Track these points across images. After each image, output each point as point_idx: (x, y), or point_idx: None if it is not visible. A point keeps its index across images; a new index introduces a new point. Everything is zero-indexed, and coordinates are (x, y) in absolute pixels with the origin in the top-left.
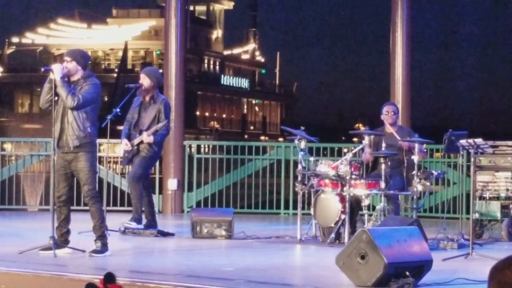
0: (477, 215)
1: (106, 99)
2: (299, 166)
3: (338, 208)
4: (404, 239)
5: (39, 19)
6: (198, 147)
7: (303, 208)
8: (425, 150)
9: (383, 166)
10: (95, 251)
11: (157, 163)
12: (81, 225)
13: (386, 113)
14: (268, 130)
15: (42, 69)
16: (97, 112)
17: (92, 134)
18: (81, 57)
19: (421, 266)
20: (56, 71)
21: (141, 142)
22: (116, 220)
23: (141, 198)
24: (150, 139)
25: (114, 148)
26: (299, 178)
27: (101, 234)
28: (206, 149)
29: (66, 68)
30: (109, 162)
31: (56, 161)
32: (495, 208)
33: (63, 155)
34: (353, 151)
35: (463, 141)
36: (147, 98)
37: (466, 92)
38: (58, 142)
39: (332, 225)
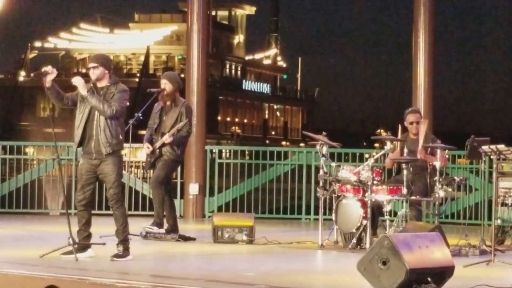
0: (499, 221)
1: (127, 103)
2: (321, 172)
3: (359, 214)
4: (425, 245)
5: (61, 23)
6: (220, 152)
7: (324, 214)
8: (446, 156)
9: (405, 171)
10: (117, 256)
11: (179, 168)
12: (103, 229)
13: (411, 123)
14: (289, 136)
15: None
16: (124, 117)
17: (123, 140)
18: (107, 61)
19: (443, 273)
20: (80, 86)
21: (163, 145)
22: (137, 225)
23: (163, 202)
24: (171, 139)
25: (136, 153)
26: (321, 184)
27: (124, 238)
28: (228, 154)
29: (94, 74)
30: (131, 166)
31: (81, 165)
32: None
33: (90, 160)
34: (375, 157)
35: (485, 147)
36: (168, 103)
37: (489, 98)
38: (85, 148)
39: (354, 230)
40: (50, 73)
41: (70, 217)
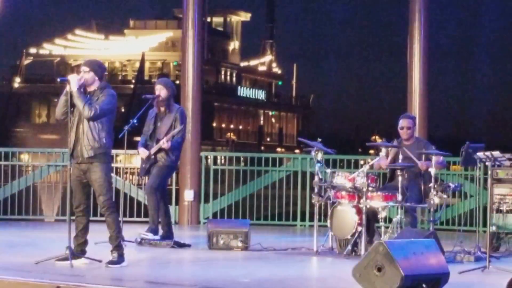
0: (494, 228)
1: (123, 110)
2: (316, 178)
3: (354, 220)
4: (421, 251)
5: (56, 30)
6: (215, 158)
7: (319, 220)
8: (441, 160)
9: (400, 178)
10: (111, 262)
11: (174, 174)
12: (98, 235)
13: (401, 129)
14: (285, 142)
15: (58, 80)
16: (113, 123)
17: (107, 145)
18: (98, 67)
19: (438, 279)
20: (73, 82)
21: (159, 151)
22: (132, 231)
23: (158, 208)
24: (168, 144)
25: (131, 159)
26: (316, 190)
27: (118, 244)
28: (223, 160)
29: (83, 79)
30: (126, 173)
31: (72, 171)
32: None
33: (78, 165)
34: (370, 163)
35: (480, 154)
36: (162, 109)
37: (484, 104)
38: (73, 152)
39: (349, 237)
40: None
41: (64, 223)
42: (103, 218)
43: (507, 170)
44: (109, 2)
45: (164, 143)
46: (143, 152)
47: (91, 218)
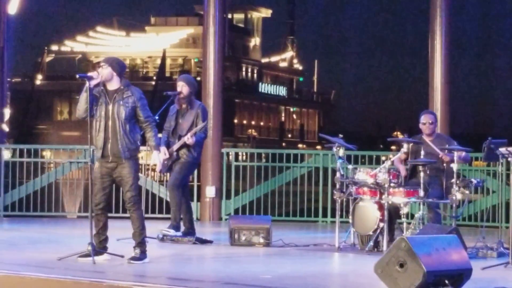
0: None
1: None
2: (337, 174)
3: (376, 216)
4: (443, 247)
5: (78, 27)
6: (236, 154)
7: (341, 216)
8: (464, 156)
9: (422, 174)
10: (134, 258)
11: (196, 171)
12: (120, 232)
13: (423, 124)
14: (306, 138)
15: (77, 76)
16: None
17: (139, 144)
18: (116, 63)
19: (460, 275)
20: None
21: (181, 147)
22: (154, 227)
23: (180, 205)
24: (193, 139)
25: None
26: (337, 186)
27: (141, 241)
28: (244, 157)
29: (101, 76)
30: (148, 169)
31: (97, 169)
32: None
33: (106, 163)
34: (392, 159)
35: (502, 149)
36: (184, 105)
37: (506, 99)
38: (102, 152)
39: (371, 233)
40: (95, 78)
41: (86, 220)
42: (125, 215)
43: None
44: None
45: (189, 139)
46: (164, 154)
47: (113, 214)
